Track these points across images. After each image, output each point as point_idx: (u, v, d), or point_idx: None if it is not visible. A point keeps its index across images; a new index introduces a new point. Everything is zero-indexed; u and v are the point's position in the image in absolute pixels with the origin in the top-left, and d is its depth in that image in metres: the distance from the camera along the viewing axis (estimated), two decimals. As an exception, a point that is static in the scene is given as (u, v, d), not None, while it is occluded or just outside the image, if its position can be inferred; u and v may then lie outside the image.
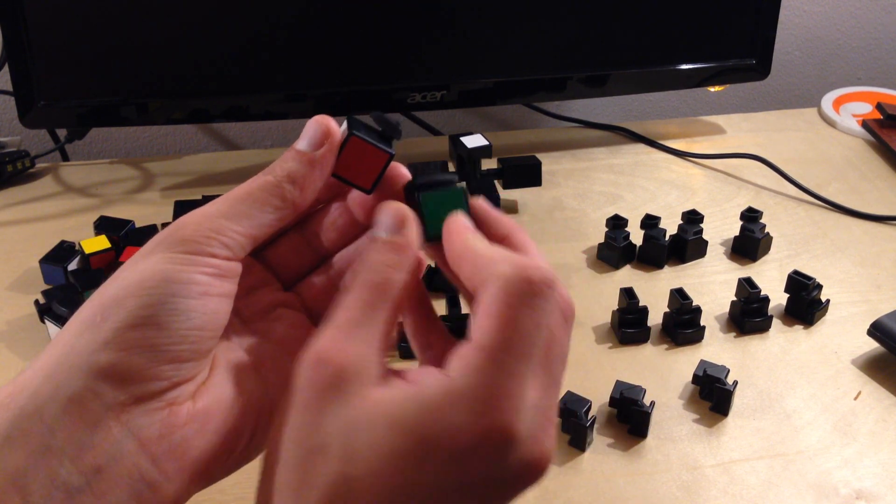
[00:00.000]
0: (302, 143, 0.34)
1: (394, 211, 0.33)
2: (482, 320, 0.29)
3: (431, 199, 0.34)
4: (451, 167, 0.77)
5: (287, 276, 0.38)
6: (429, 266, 0.67)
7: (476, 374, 0.28)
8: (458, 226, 0.33)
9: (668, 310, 0.64)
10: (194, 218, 0.32)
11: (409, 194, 0.35)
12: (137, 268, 0.31)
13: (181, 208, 0.73)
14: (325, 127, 0.34)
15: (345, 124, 0.35)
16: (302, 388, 0.29)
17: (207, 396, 0.32)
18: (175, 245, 0.31)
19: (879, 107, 0.91)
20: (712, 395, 0.58)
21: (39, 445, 0.28)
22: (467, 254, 0.32)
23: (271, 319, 0.36)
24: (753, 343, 0.64)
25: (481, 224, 0.34)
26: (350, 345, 0.29)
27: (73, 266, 0.67)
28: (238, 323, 0.36)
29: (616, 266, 0.71)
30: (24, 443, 0.28)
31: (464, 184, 0.35)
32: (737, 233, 0.73)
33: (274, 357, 0.35)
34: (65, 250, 0.68)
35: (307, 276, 0.38)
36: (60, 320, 0.61)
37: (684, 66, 0.85)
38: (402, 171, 0.36)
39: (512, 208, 0.79)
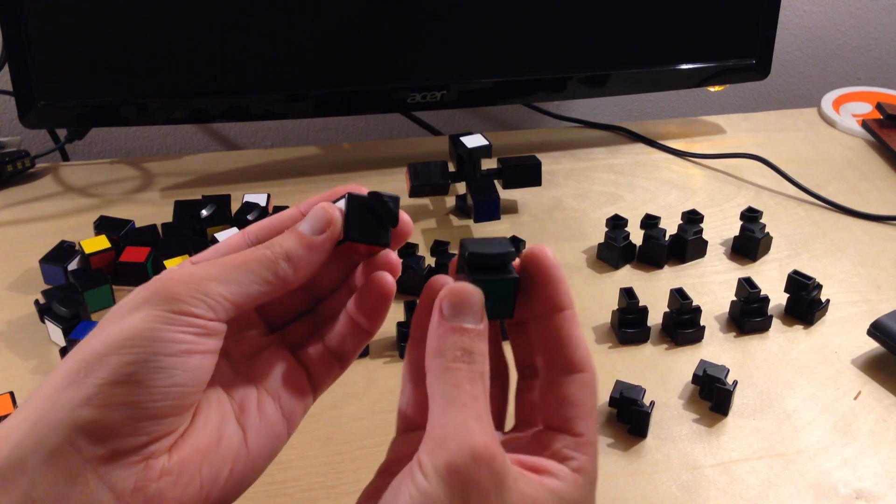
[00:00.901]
0: (305, 226, 0.36)
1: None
2: (588, 416, 0.34)
3: (484, 286, 0.34)
4: (451, 167, 0.77)
5: (276, 319, 0.39)
6: (429, 265, 0.67)
7: (594, 469, 0.34)
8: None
9: (668, 310, 0.64)
10: (183, 276, 0.33)
11: (462, 268, 0.35)
12: (122, 323, 0.31)
13: (181, 208, 0.73)
14: (328, 216, 0.36)
15: (342, 201, 0.37)
16: (461, 487, 0.29)
17: (185, 448, 0.32)
18: (161, 302, 0.32)
19: (879, 107, 0.91)
20: (712, 394, 0.58)
21: (22, 496, 0.29)
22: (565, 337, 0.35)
23: (258, 362, 0.37)
24: (753, 343, 0.64)
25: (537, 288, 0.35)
26: (491, 438, 0.30)
27: (73, 266, 0.67)
28: (225, 364, 0.36)
29: (616, 266, 0.71)
30: (6, 492, 0.29)
31: (516, 276, 0.35)
32: (737, 233, 0.73)
33: (257, 401, 0.36)
34: (65, 250, 0.68)
35: (297, 316, 0.40)
36: (60, 320, 0.61)
37: (684, 66, 0.85)
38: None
39: (512, 208, 0.79)
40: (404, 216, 0.38)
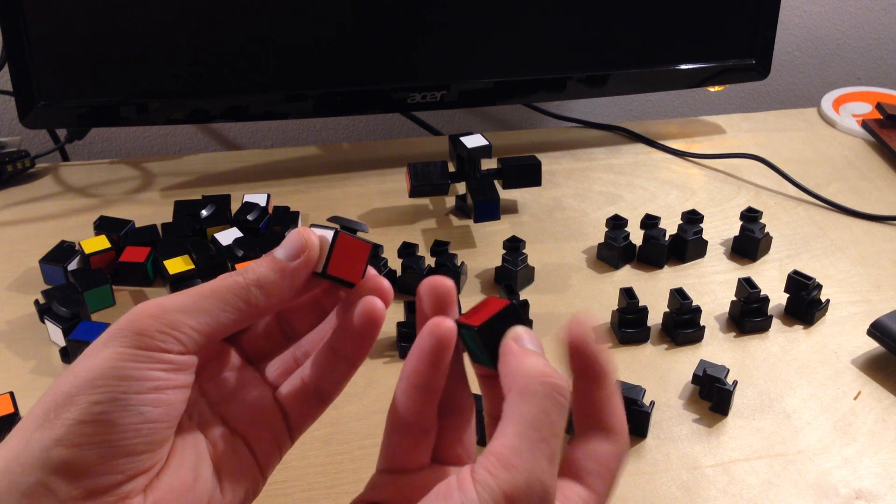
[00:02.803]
0: (280, 252, 0.35)
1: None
2: (605, 475, 0.33)
3: (468, 334, 0.34)
4: (451, 167, 0.77)
5: (256, 356, 0.38)
6: (429, 265, 0.67)
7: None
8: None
9: (667, 310, 0.64)
10: (152, 309, 0.32)
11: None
12: (91, 363, 0.31)
13: (181, 208, 0.73)
14: (304, 239, 0.35)
15: (323, 231, 0.36)
16: None
17: (161, 488, 0.32)
18: (129, 339, 0.31)
19: (879, 107, 0.91)
20: (712, 394, 0.58)
21: None
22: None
23: (236, 402, 0.37)
24: (753, 343, 0.64)
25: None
26: (554, 486, 0.30)
27: (73, 266, 0.67)
28: (204, 404, 0.36)
29: (616, 266, 0.71)
30: None
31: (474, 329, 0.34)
32: (737, 233, 0.73)
33: (231, 442, 0.36)
34: (65, 250, 0.68)
35: (275, 355, 0.39)
36: (60, 320, 0.61)
37: (684, 66, 0.85)
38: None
39: (512, 208, 0.79)
40: (383, 283, 0.37)
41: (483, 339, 0.33)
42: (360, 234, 0.37)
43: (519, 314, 0.34)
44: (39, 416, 0.31)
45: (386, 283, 0.37)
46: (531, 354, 0.32)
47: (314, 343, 0.38)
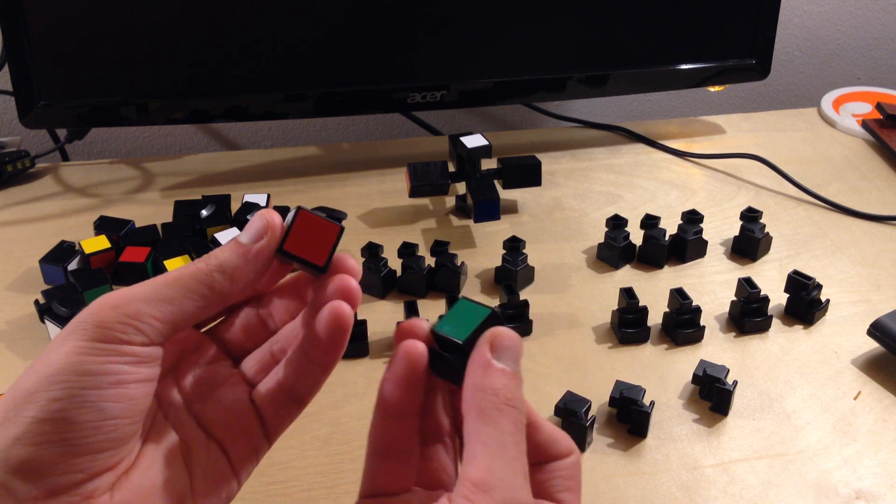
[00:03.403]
0: (243, 236, 0.34)
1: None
2: (576, 490, 0.34)
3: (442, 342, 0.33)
4: (451, 167, 0.77)
5: (235, 349, 0.38)
6: (429, 265, 0.67)
7: None
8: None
9: (667, 310, 0.64)
10: (113, 300, 0.31)
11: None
12: (51, 358, 0.30)
13: (181, 208, 0.73)
14: (266, 221, 0.34)
15: (292, 212, 0.35)
16: None
17: (128, 487, 0.31)
18: (89, 332, 0.30)
19: (879, 107, 0.91)
20: (712, 394, 0.58)
21: None
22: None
23: (213, 402, 0.36)
24: (753, 343, 0.64)
25: None
26: (532, 501, 0.30)
27: (73, 266, 0.67)
28: (179, 402, 0.35)
29: (616, 266, 0.71)
30: None
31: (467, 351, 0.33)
32: (737, 233, 0.73)
33: (205, 444, 0.35)
34: (65, 250, 0.68)
35: (255, 349, 0.38)
36: (60, 320, 0.61)
37: (684, 66, 0.85)
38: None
39: (512, 208, 0.79)
40: (349, 261, 0.35)
41: (463, 355, 0.33)
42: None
43: (500, 320, 0.34)
44: (0, 415, 0.30)
45: (353, 263, 0.35)
46: (497, 373, 0.31)
47: (289, 339, 0.37)
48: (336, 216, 0.36)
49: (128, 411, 0.31)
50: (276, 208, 0.74)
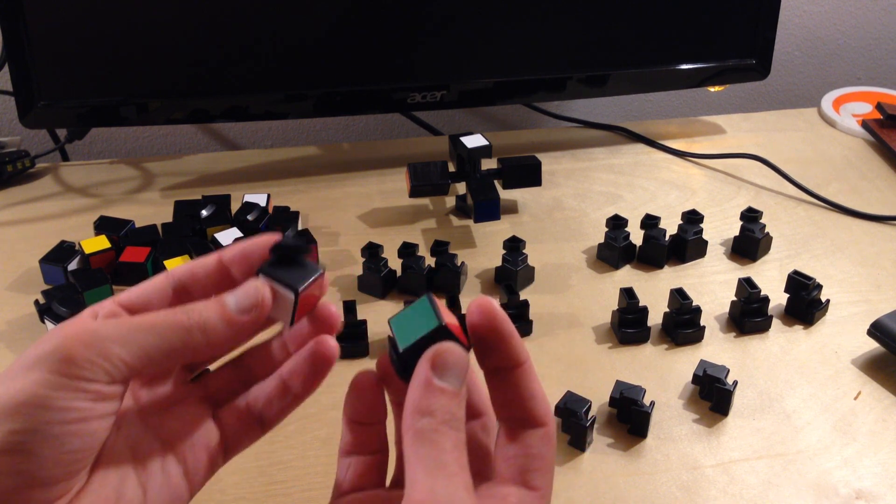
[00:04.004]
0: (231, 300, 0.34)
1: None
2: (547, 471, 0.34)
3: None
4: (451, 167, 0.77)
5: (199, 365, 0.38)
6: (429, 265, 0.67)
7: None
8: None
9: (668, 310, 0.64)
10: (86, 337, 0.31)
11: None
12: (14, 385, 0.30)
13: (181, 208, 0.73)
14: (258, 297, 0.34)
15: (283, 289, 0.35)
16: None
17: None
18: (56, 364, 0.30)
19: (879, 107, 0.91)
20: (712, 394, 0.58)
21: None
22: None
23: (171, 416, 0.36)
24: (753, 343, 0.64)
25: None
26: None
27: (73, 266, 0.67)
28: (135, 416, 0.35)
29: (616, 266, 0.71)
30: None
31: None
32: (737, 233, 0.73)
33: (161, 460, 0.35)
34: (65, 250, 0.68)
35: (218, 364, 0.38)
36: (60, 320, 0.61)
37: (684, 66, 0.85)
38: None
39: (512, 208, 0.79)
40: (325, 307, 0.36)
41: (403, 360, 0.33)
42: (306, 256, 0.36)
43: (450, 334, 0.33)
44: None
45: (333, 310, 0.37)
46: (437, 393, 0.31)
47: (263, 363, 0.37)
48: (302, 250, 0.36)
49: (88, 445, 0.31)
50: (276, 208, 0.74)
